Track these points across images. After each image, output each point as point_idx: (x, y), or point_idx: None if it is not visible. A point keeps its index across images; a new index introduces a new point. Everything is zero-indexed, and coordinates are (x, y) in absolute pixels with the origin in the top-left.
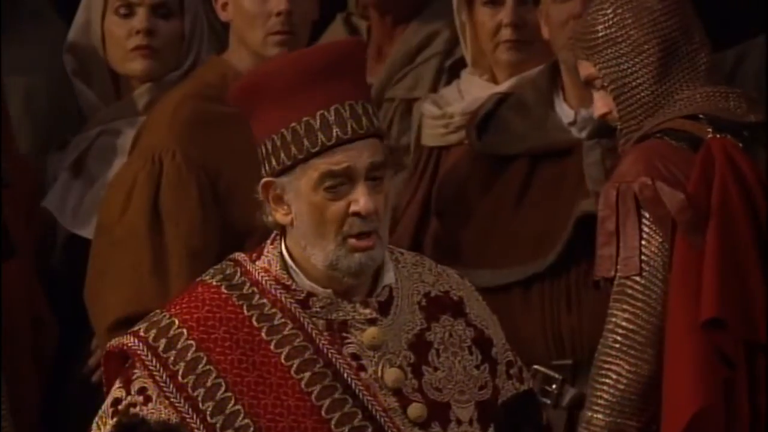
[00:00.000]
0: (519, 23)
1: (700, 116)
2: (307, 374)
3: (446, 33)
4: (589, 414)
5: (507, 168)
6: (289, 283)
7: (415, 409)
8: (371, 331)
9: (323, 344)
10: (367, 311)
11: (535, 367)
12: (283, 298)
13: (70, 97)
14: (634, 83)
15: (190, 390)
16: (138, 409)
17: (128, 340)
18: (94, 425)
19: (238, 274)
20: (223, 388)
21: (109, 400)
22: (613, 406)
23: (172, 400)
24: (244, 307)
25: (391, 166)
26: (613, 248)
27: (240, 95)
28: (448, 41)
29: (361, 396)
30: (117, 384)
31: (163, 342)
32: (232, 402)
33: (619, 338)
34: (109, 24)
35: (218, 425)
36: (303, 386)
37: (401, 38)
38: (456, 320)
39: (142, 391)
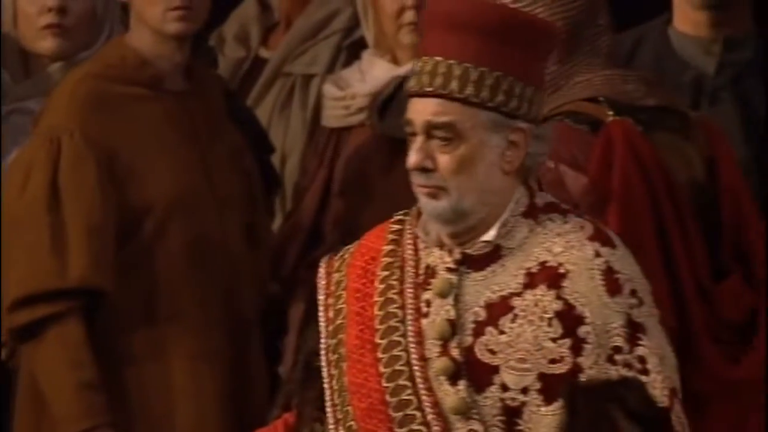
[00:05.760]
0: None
1: (600, 99)
2: (382, 312)
3: (348, 11)
4: None
5: (408, 150)
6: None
7: (440, 363)
8: (440, 279)
9: (407, 285)
10: (449, 260)
11: None
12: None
13: None
14: None
15: None
16: None
17: None
18: None
19: None
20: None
21: None
22: None
23: None
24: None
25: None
26: None
27: None
28: (350, 19)
29: (408, 339)
30: None
31: None
32: (343, 330)
33: None
34: (22, 1)
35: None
36: (377, 324)
37: (304, 13)
38: (548, 291)
39: None
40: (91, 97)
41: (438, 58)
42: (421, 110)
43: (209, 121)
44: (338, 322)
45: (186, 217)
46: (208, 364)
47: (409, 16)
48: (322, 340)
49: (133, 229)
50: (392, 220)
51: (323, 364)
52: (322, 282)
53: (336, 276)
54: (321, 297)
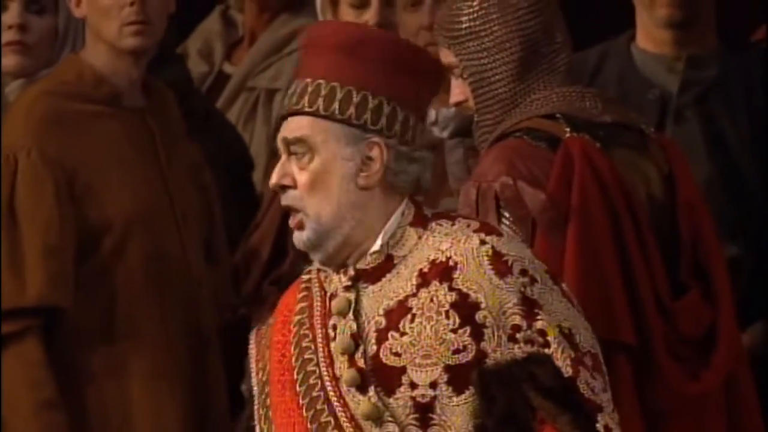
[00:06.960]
0: (385, 24)
1: (558, 116)
2: (297, 350)
3: None
4: None
5: None
6: None
7: (346, 374)
8: (338, 299)
9: (316, 319)
10: (344, 279)
11: None
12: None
13: None
14: (492, 78)
15: None
16: None
17: None
18: None
19: None
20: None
21: None
22: None
23: None
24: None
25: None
26: None
27: None
28: None
29: (320, 365)
30: None
31: None
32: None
33: None
34: None
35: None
36: (293, 361)
37: (269, 29)
38: (441, 285)
39: None
40: (48, 115)
41: (307, 80)
42: (281, 129)
43: (167, 137)
44: (264, 377)
45: (145, 234)
46: (167, 382)
47: None
48: (255, 402)
49: (92, 247)
50: (304, 272)
51: (255, 421)
52: (252, 351)
53: (264, 341)
54: (252, 365)
